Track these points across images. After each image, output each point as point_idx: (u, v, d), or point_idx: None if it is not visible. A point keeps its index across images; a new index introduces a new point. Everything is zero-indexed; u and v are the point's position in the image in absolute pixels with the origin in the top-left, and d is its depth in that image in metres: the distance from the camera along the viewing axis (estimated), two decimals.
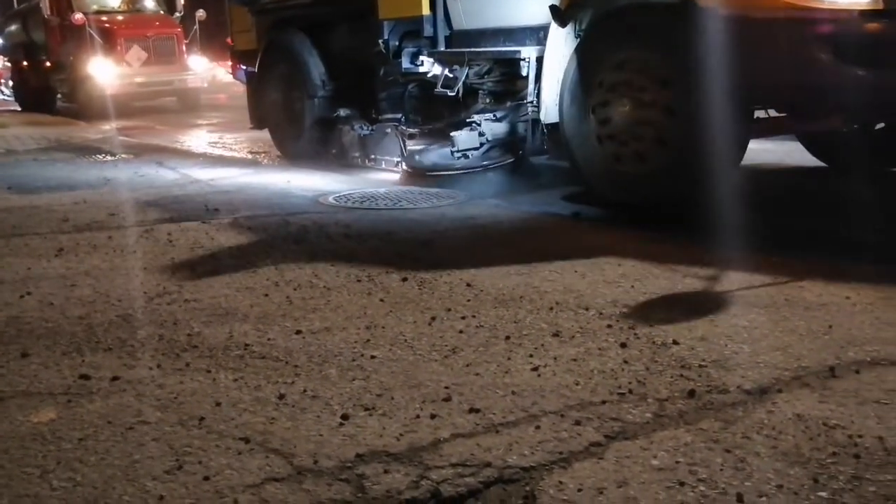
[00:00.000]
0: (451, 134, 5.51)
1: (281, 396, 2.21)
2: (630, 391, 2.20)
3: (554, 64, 4.79)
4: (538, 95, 4.93)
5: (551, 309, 2.88)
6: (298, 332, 2.70)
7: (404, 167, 5.87)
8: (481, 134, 5.44)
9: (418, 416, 2.07)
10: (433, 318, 2.79)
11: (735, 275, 3.25)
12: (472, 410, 2.10)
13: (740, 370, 2.32)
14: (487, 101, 5.70)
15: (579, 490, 1.72)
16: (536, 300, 2.98)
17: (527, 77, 5.10)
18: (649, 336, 2.60)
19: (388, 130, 6.31)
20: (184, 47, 15.43)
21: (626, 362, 2.39)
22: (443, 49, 5.85)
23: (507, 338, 2.60)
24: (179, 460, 1.88)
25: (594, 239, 3.91)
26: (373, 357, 2.47)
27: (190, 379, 2.36)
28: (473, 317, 2.82)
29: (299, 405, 2.16)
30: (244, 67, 8.29)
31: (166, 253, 3.82)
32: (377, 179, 6.08)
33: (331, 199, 5.16)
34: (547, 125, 4.96)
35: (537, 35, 5.07)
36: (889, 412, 2.04)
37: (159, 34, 15.20)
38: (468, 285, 3.17)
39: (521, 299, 2.99)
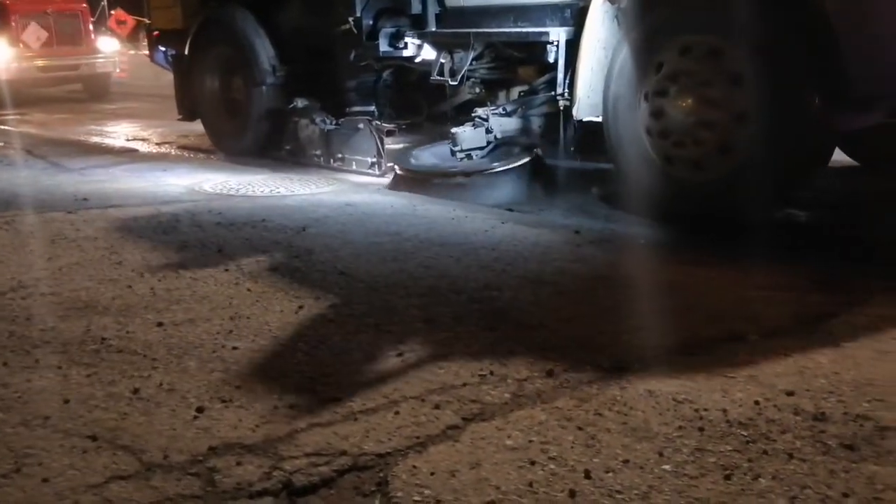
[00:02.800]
0: (453, 130, 4.74)
1: (135, 391, 2.14)
2: (491, 373, 2.22)
3: (591, 49, 4.06)
4: (570, 86, 4.18)
5: (424, 295, 2.88)
6: (160, 325, 2.62)
7: (397, 169, 4.93)
8: (489, 130, 4.70)
9: (276, 407, 2.04)
10: (301, 307, 2.75)
11: (609, 258, 3.33)
12: (332, 399, 2.07)
13: (601, 349, 2.38)
14: (493, 91, 5.05)
15: (432, 474, 1.73)
16: (410, 286, 2.98)
17: (553, 63, 4.34)
18: (517, 318, 2.63)
19: (361, 126, 5.36)
20: (90, 26, 13.22)
21: (491, 345, 2.42)
22: (433, 29, 5.00)
23: (377, 325, 2.59)
24: (18, 462, 1.79)
25: (475, 225, 3.94)
26: (234, 348, 2.41)
27: (39, 377, 2.25)
28: (344, 305, 2.79)
29: (154, 399, 2.09)
30: (164, 49, 7.30)
31: (25, 245, 3.64)
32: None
33: (207, 187, 5.02)
34: (578, 121, 4.22)
35: (561, 14, 4.34)
36: (734, 385, 2.12)
37: (61, 10, 12.79)
38: (341, 273, 3.14)
39: (395, 286, 2.98)
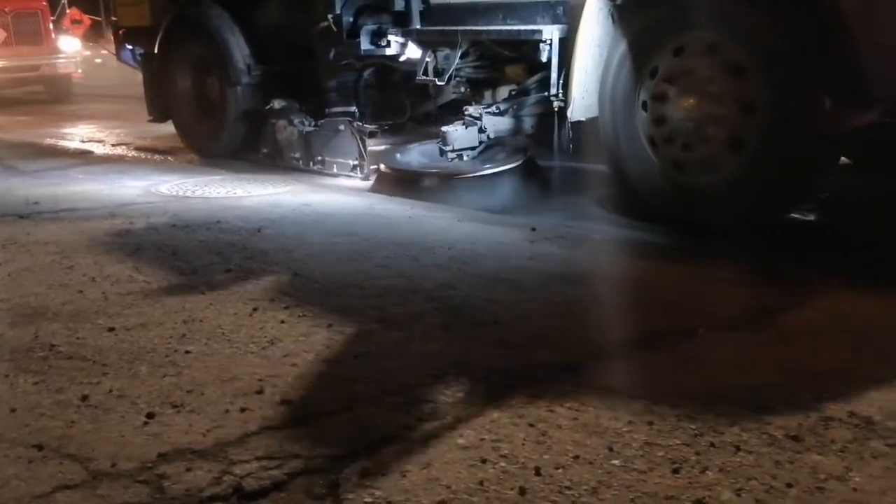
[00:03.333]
0: (443, 129, 4.57)
1: (84, 398, 2.11)
2: (447, 372, 2.22)
3: (586, 47, 3.92)
4: (564, 86, 4.03)
5: (380, 295, 2.87)
6: (111, 330, 2.58)
7: (383, 168, 4.75)
8: (482, 130, 4.54)
9: (228, 411, 2.02)
10: (255, 309, 2.73)
11: (565, 255, 3.35)
12: (285, 402, 2.06)
13: (554, 346, 2.39)
14: (478, 91, 4.89)
15: (383, 475, 1.73)
16: (366, 287, 2.97)
17: (545, 63, 4.18)
18: (472, 317, 2.64)
19: (342, 127, 5.20)
20: (50, 25, 12.71)
21: (447, 344, 2.42)
22: (418, 27, 4.84)
23: (330, 325, 2.58)
24: None
25: (434, 224, 3.94)
26: (187, 352, 2.39)
27: None
28: (297, 306, 2.78)
29: (103, 406, 2.07)
30: (131, 48, 7.08)
31: None
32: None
33: (163, 189, 4.96)
34: (574, 122, 4.08)
35: (553, 11, 4.22)
36: (684, 379, 2.15)
37: (20, 9, 12.30)
38: (296, 274, 3.12)
39: (350, 287, 2.97)
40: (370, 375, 2.21)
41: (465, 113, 4.62)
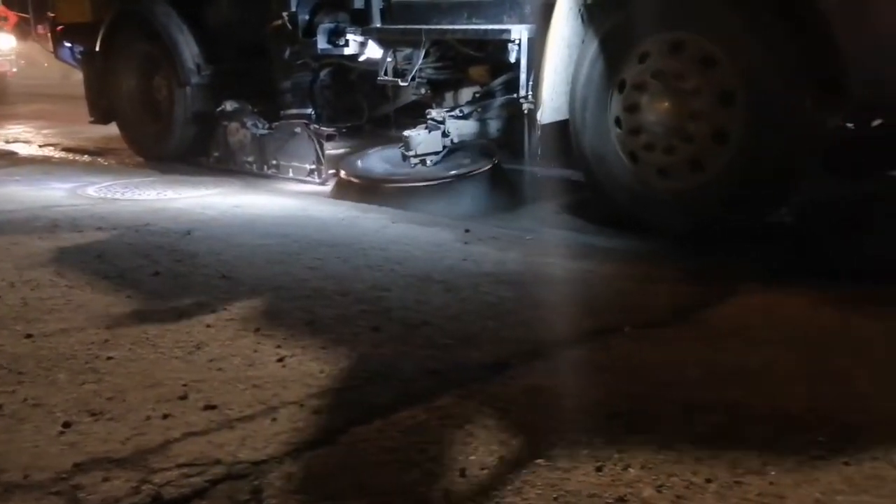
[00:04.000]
0: (406, 133, 4.45)
1: None
2: (375, 374, 2.21)
3: (556, 48, 3.75)
4: (534, 88, 3.85)
5: (308, 297, 2.85)
6: (29, 336, 2.50)
7: (342, 174, 4.58)
8: (445, 134, 4.42)
9: (149, 418, 1.97)
10: (181, 313, 2.68)
11: (498, 255, 3.36)
12: (209, 407, 2.02)
13: (484, 346, 2.40)
14: (439, 92, 4.72)
15: (307, 480, 1.70)
16: (295, 289, 2.94)
17: (513, 63, 4.05)
18: (402, 318, 2.63)
19: (298, 130, 5.05)
20: None
21: (375, 346, 2.40)
22: (378, 26, 4.67)
23: (257, 329, 2.54)
24: None
25: (367, 225, 3.92)
26: (109, 358, 2.33)
27: None
28: (225, 309, 2.73)
29: (17, 416, 2.00)
30: (69, 45, 6.76)
31: None
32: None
33: (90, 190, 4.84)
34: (544, 125, 3.88)
35: (520, 10, 4.07)
36: (610, 377, 2.17)
37: None
38: (224, 276, 3.07)
39: (279, 289, 2.94)
40: (297, 379, 2.18)
41: (428, 116, 4.49)
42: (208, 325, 2.58)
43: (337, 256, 3.32)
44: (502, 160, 4.43)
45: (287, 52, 5.06)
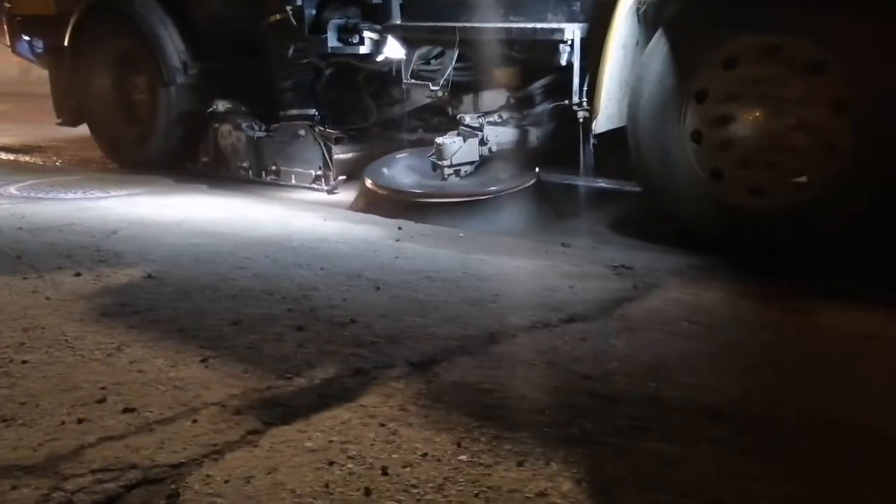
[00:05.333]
0: (438, 141, 4.05)
1: None
2: (299, 374, 2.18)
3: (616, 49, 3.45)
4: (589, 94, 3.54)
5: (235, 297, 2.80)
6: None
7: (368, 184, 4.13)
8: (483, 142, 4.03)
9: (63, 423, 1.91)
10: (103, 315, 2.61)
11: (429, 252, 3.35)
12: (127, 410, 1.97)
13: (411, 343, 2.39)
14: (457, 95, 4.34)
15: (226, 482, 1.67)
16: (223, 288, 2.89)
17: (565, 66, 3.66)
18: (329, 317, 2.60)
19: (302, 132, 4.69)
20: None
21: (300, 345, 2.38)
22: (398, 22, 4.29)
23: (182, 330, 2.49)
24: None
25: (300, 223, 3.87)
26: (24, 362, 2.26)
27: None
28: (149, 310, 2.67)
29: None
30: (28, 39, 6.22)
31: None
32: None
33: (13, 189, 4.70)
34: (598, 135, 3.57)
35: (568, 7, 3.71)
36: (535, 372, 2.18)
37: None
38: (150, 276, 3.01)
39: (206, 288, 2.88)
40: (220, 379, 2.15)
41: (462, 123, 4.11)
42: (131, 327, 2.52)
43: (266, 255, 3.28)
44: (545, 171, 4.05)
45: (291, 50, 4.68)
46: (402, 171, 4.22)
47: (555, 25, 3.71)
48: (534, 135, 4.12)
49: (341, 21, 4.45)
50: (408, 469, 1.72)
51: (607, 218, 3.98)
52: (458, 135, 4.07)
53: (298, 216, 3.98)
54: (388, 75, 4.55)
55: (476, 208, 3.82)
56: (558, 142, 4.02)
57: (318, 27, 4.50)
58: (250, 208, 4.20)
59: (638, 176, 3.58)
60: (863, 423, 1.91)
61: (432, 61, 4.25)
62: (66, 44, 5.67)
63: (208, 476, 1.70)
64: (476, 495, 1.62)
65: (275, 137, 4.86)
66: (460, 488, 1.65)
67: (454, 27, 4.01)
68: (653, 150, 3.44)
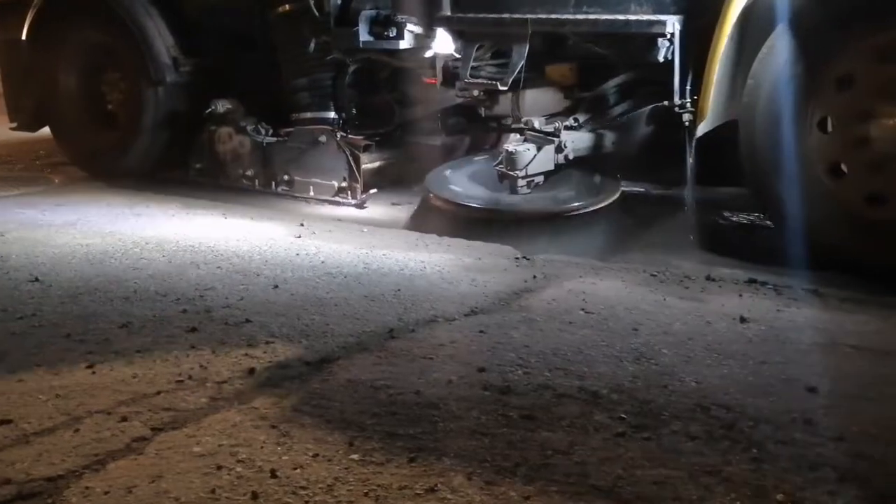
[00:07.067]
0: (508, 148, 3.55)
1: None
2: (190, 377, 2.13)
3: (730, 42, 3.04)
4: (692, 94, 3.18)
5: (127, 298, 2.72)
6: None
7: (432, 198, 3.66)
8: (560, 149, 3.54)
9: None
10: None
11: (332, 249, 3.32)
12: (3, 422, 1.89)
13: (307, 342, 2.36)
14: (492, 96, 3.86)
15: (106, 493, 1.62)
16: (114, 290, 2.80)
17: (666, 62, 3.24)
18: (224, 317, 2.55)
19: (323, 138, 4.14)
20: None
21: (192, 347, 2.32)
22: (448, 14, 3.77)
23: (68, 335, 2.40)
24: None
25: (199, 221, 3.78)
26: None
27: None
28: (34, 315, 2.57)
29: None
30: None
31: None
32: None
33: None
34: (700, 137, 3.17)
35: None
36: (431, 367, 2.18)
37: None
38: (36, 279, 2.89)
39: (96, 291, 2.79)
40: (106, 385, 2.08)
41: (529, 127, 3.65)
42: (13, 333, 2.42)
43: (162, 255, 3.19)
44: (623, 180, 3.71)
45: (312, 45, 4.18)
46: (462, 181, 3.79)
47: (652, 17, 3.27)
48: (608, 139, 3.70)
49: (372, 12, 4.00)
50: (297, 471, 1.69)
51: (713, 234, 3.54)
52: (525, 140, 3.62)
53: (194, 214, 3.88)
54: (414, 73, 4.13)
55: (555, 226, 3.44)
56: (642, 148, 3.67)
57: (347, 19, 4.04)
58: (143, 206, 4.05)
59: (750, 183, 3.24)
60: (739, 403, 1.97)
61: (487, 57, 3.80)
62: (23, 36, 4.90)
63: (87, 488, 1.64)
64: (366, 494, 1.61)
65: (287, 143, 4.32)
66: (350, 488, 1.63)
67: (526, 19, 3.54)
68: (771, 153, 3.06)
